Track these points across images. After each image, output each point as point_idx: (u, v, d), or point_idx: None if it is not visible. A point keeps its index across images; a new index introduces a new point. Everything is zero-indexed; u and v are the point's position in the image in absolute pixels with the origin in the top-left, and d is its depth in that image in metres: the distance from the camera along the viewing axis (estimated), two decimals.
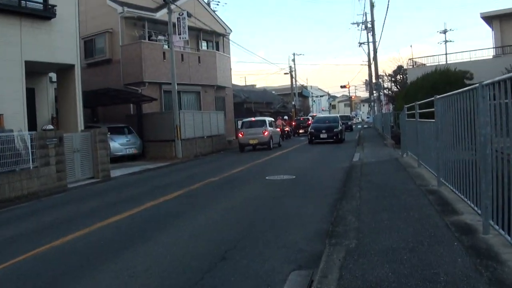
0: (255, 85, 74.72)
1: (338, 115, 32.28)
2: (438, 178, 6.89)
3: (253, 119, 22.81)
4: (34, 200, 10.05)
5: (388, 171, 9.39)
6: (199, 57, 23.81)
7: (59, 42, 14.46)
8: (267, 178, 10.73)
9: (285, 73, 48.65)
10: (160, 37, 21.30)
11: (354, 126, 46.49)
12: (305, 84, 74.37)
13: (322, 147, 20.80)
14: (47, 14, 14.00)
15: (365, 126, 52.48)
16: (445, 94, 6.17)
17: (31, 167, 10.72)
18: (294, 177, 10.59)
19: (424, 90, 17.27)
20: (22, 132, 11.09)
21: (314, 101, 77.57)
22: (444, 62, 26.25)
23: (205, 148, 21.43)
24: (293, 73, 49.70)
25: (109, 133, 18.40)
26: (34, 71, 15.37)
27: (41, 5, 13.95)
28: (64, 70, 15.54)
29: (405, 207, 5.73)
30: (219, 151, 22.46)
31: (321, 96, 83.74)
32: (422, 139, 8.65)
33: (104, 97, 19.17)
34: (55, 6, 14.12)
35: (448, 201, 5.84)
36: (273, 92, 67.69)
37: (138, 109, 19.88)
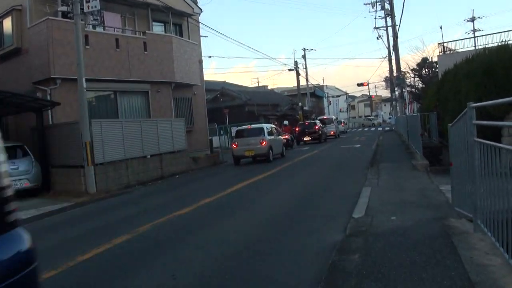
0: (267, 86, 67.94)
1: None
2: None
3: (249, 126, 19.31)
4: None
5: None
6: (145, 43, 16.91)
7: None
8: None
9: (289, 69, 41.47)
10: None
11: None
12: (320, 84, 67.13)
13: (323, 166, 13.84)
14: None
15: (386, 128, 45.22)
16: None
17: None
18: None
19: (472, 79, 10.76)
20: None
21: (330, 102, 69.99)
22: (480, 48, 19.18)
23: (147, 173, 14.70)
24: (300, 70, 42.50)
25: None
26: None
27: None
28: None
29: None
30: (173, 174, 15.69)
31: (337, 96, 76.22)
32: None
33: None
34: None
35: None
36: (285, 93, 60.63)
37: (38, 119, 13.29)
